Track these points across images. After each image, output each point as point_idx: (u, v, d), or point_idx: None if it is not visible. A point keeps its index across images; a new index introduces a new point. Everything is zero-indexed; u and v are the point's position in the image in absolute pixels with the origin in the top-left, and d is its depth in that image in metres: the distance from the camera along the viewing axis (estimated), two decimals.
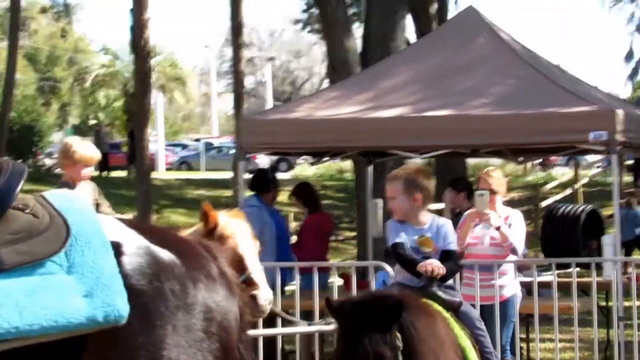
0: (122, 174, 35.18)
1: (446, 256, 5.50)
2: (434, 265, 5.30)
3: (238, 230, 5.93)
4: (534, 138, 9.55)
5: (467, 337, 5.05)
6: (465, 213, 8.28)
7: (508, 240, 7.96)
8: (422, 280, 5.35)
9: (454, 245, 5.62)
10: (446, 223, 5.65)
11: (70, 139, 7.64)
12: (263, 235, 8.26)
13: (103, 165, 34.63)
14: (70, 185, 6.99)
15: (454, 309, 5.23)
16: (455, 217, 9.43)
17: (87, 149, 7.19)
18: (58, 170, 37.71)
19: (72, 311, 3.06)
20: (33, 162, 33.46)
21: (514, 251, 8.03)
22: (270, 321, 7.48)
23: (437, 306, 5.10)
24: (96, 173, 34.00)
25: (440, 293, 5.26)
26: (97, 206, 7.06)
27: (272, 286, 6.23)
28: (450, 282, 5.58)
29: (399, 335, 4.36)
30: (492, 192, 8.03)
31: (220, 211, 6.07)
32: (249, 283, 5.81)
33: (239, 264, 5.94)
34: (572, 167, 29.79)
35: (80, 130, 63.30)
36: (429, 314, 4.78)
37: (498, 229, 7.96)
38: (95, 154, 7.28)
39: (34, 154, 34.21)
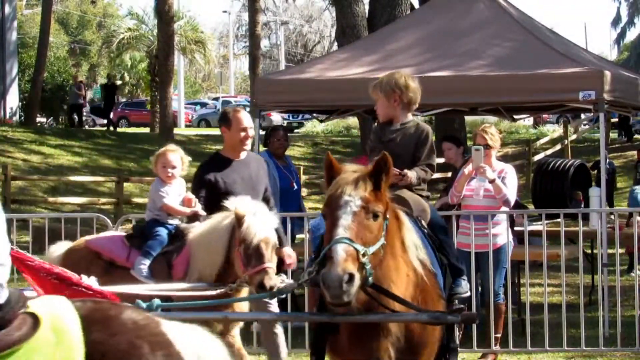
0: (140, 130, 35.07)
1: None
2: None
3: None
4: (528, 97, 9.50)
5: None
6: (463, 168, 8.23)
7: (502, 193, 7.92)
8: None
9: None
10: None
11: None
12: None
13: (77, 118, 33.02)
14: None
15: None
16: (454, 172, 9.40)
17: None
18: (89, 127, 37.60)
19: None
20: (64, 119, 33.41)
21: (506, 203, 7.99)
22: None
23: None
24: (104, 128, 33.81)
25: None
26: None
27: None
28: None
29: None
30: (488, 147, 7.98)
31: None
32: None
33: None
34: (561, 124, 29.59)
35: None
36: None
37: (492, 182, 7.91)
38: None
39: (65, 112, 34.12)
